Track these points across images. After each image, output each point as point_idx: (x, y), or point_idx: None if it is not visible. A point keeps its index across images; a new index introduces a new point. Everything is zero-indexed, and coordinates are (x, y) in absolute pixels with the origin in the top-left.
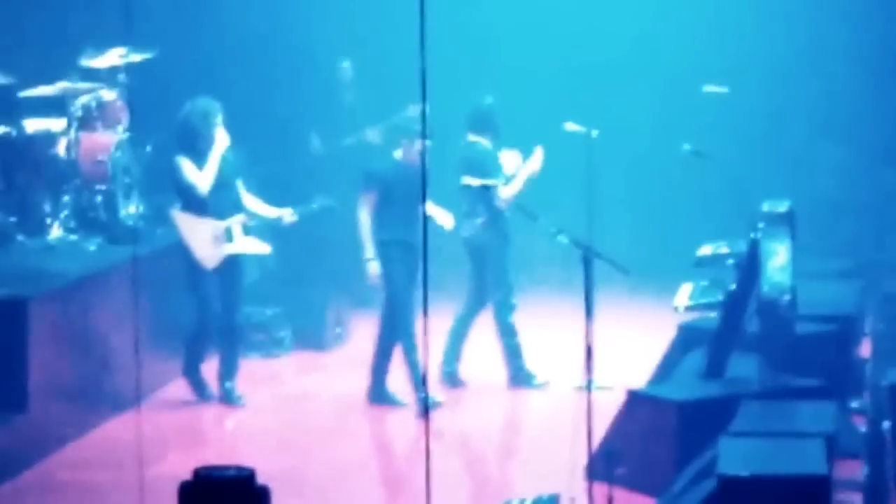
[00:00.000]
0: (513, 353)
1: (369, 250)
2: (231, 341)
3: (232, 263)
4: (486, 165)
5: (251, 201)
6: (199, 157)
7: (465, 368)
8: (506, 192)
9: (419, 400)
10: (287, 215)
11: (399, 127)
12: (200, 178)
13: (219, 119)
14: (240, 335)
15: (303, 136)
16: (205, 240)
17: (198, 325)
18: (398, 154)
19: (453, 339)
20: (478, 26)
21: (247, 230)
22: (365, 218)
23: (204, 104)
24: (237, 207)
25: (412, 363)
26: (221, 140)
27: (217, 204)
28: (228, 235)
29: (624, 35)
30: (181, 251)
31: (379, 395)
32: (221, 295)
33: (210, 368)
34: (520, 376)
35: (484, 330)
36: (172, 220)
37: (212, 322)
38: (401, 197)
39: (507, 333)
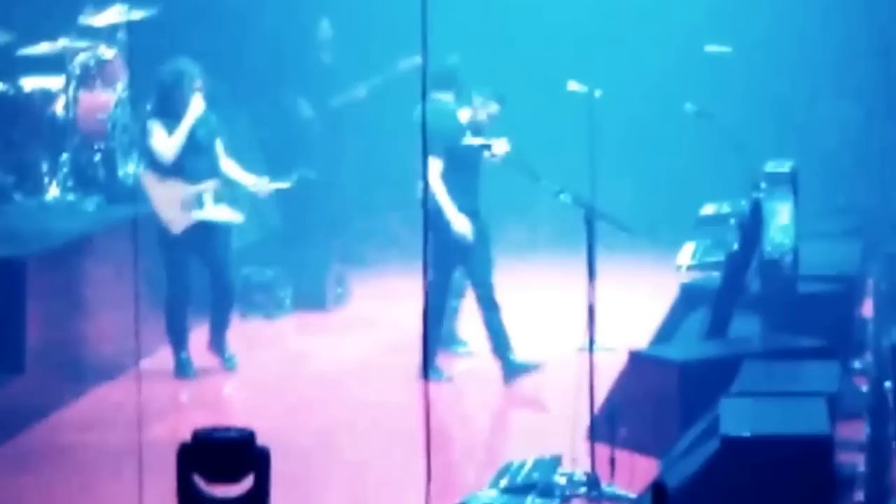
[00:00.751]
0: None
1: (451, 213)
2: (220, 308)
3: (207, 230)
4: (445, 123)
5: (230, 166)
6: (174, 121)
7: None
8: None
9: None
10: (262, 185)
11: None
12: (167, 144)
13: (197, 83)
14: (229, 302)
15: (289, 99)
16: (171, 203)
17: (169, 293)
18: (464, 115)
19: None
20: None
21: (219, 197)
22: (437, 183)
23: (179, 66)
24: (212, 173)
25: (494, 329)
26: (196, 105)
27: (190, 169)
28: (199, 201)
29: None
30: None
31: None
32: (205, 263)
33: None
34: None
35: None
36: (141, 182)
37: (183, 290)
38: (466, 162)
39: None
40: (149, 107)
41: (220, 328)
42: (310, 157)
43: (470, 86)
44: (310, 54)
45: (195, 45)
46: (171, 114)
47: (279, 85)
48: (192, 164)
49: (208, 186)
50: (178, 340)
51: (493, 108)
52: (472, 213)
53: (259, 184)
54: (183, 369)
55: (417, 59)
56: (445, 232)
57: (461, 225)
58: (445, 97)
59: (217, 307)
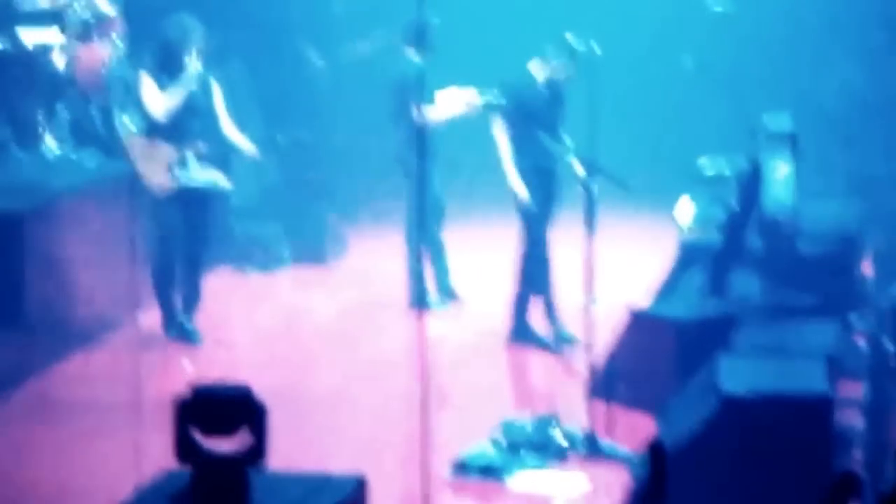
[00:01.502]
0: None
1: (511, 175)
2: (190, 276)
3: (192, 194)
4: (417, 83)
5: (230, 129)
6: (170, 78)
7: (462, 288)
8: (438, 111)
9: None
10: (251, 151)
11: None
12: (158, 102)
13: (197, 42)
14: (199, 271)
15: (296, 49)
16: (155, 166)
17: (156, 255)
18: (539, 72)
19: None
20: None
21: (208, 160)
22: (503, 140)
23: (180, 23)
24: (205, 136)
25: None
26: (193, 66)
27: (181, 131)
28: (183, 163)
29: None
30: None
31: (522, 333)
32: (185, 226)
33: None
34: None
35: (476, 249)
36: (125, 144)
37: (171, 252)
38: (540, 119)
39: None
40: (146, 62)
41: (190, 299)
42: (314, 111)
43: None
44: (320, 3)
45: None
46: (168, 70)
47: (283, 34)
48: (183, 126)
49: (193, 149)
50: (170, 307)
51: (570, 69)
52: (543, 170)
53: (249, 149)
54: (190, 336)
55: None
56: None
57: (520, 188)
58: (415, 54)
59: (186, 275)
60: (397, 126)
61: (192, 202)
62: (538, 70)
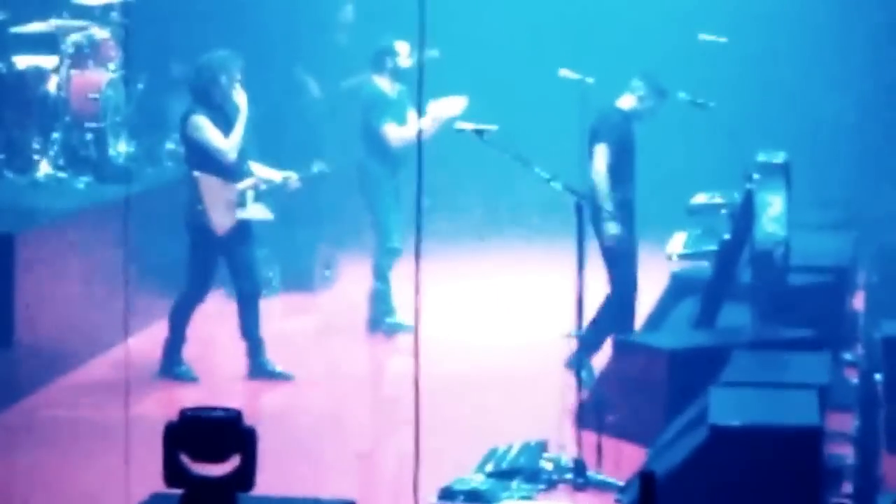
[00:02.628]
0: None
1: (607, 208)
2: (252, 309)
3: (241, 229)
4: (374, 106)
5: (255, 165)
6: (215, 114)
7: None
8: (394, 133)
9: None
10: (293, 180)
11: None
12: (228, 144)
13: (238, 75)
14: (257, 298)
15: (297, 78)
16: (222, 205)
17: (189, 292)
18: (627, 102)
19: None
20: None
21: (258, 195)
22: (603, 171)
23: (224, 57)
24: (249, 171)
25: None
26: (243, 101)
27: (236, 167)
28: (242, 200)
29: None
30: (189, 209)
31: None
32: (232, 262)
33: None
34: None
35: (459, 280)
36: (196, 184)
37: (205, 291)
38: (628, 151)
39: (379, 277)
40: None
41: (256, 334)
42: (313, 140)
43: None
44: (325, 35)
45: (186, 28)
46: (211, 106)
47: (284, 63)
48: (239, 162)
49: (251, 184)
50: (179, 340)
51: (655, 100)
52: (628, 202)
53: (290, 178)
54: (185, 375)
55: (433, 52)
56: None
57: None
58: (380, 80)
59: (248, 304)
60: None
61: (246, 238)
62: (626, 101)
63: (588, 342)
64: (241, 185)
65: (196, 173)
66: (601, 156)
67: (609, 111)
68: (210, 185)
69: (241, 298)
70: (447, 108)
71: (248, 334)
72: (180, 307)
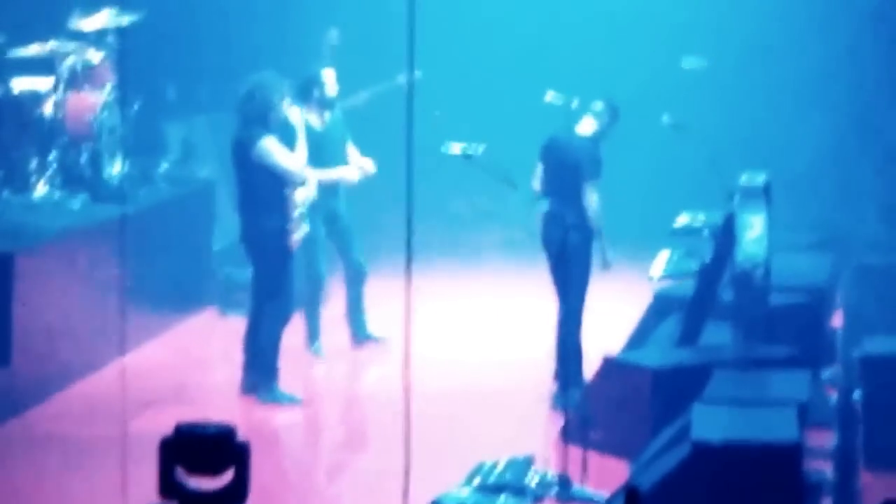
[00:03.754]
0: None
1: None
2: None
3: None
4: (285, 136)
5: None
6: (276, 135)
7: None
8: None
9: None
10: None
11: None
12: (297, 162)
13: (287, 95)
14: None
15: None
16: (297, 220)
17: (284, 315)
18: (589, 126)
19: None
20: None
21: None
22: (598, 209)
23: (274, 78)
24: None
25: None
26: (298, 118)
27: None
28: (304, 217)
29: (606, 8)
30: (269, 231)
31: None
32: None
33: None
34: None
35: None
36: (285, 204)
37: (293, 308)
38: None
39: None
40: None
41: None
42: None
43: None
44: (312, 60)
45: (180, 52)
46: (269, 129)
47: None
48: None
49: (309, 194)
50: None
51: (612, 123)
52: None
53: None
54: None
55: (416, 74)
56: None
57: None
58: (308, 113)
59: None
60: None
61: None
62: (588, 125)
63: (564, 377)
64: (301, 198)
65: (287, 192)
66: (594, 193)
67: (582, 142)
68: (294, 205)
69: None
70: (364, 165)
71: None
72: (280, 333)
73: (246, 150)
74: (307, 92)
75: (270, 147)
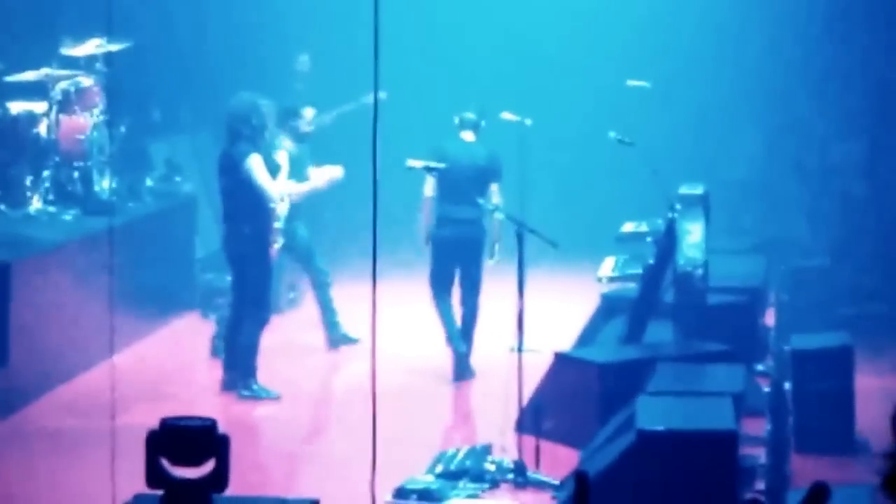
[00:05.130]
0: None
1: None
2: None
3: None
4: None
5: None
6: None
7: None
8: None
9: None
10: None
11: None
12: (276, 192)
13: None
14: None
15: None
16: (276, 233)
17: (263, 320)
18: (470, 138)
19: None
20: (426, 22)
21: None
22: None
23: (267, 104)
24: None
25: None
26: (284, 160)
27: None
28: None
29: (555, 32)
30: (256, 242)
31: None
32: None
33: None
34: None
35: (411, 302)
36: (261, 236)
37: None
38: None
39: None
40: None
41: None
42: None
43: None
44: (284, 83)
45: (164, 77)
46: (258, 148)
47: None
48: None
49: (286, 209)
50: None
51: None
52: None
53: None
54: (265, 393)
55: (381, 94)
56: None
57: None
58: (283, 137)
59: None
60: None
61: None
62: (473, 137)
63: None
64: (281, 212)
65: (270, 205)
66: (498, 191)
67: (491, 151)
68: (275, 217)
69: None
70: (330, 172)
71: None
72: (259, 337)
73: (235, 165)
74: (286, 120)
75: (256, 166)
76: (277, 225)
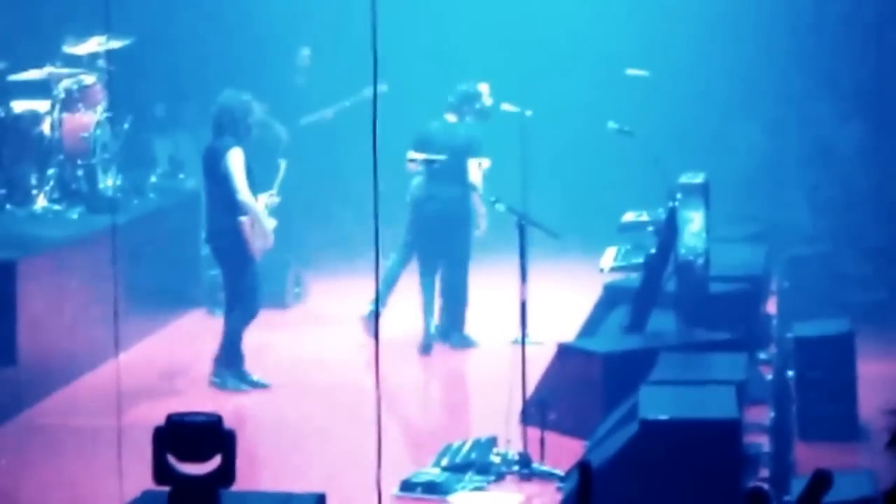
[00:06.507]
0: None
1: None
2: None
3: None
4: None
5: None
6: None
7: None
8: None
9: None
10: (273, 199)
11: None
12: (246, 191)
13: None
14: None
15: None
16: (261, 235)
17: (249, 313)
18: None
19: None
20: (426, 15)
21: (270, 211)
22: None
23: (245, 97)
24: (256, 197)
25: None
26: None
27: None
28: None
29: (554, 22)
30: (232, 242)
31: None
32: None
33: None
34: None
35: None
36: (240, 230)
37: (257, 309)
38: None
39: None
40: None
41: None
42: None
43: None
44: (285, 77)
45: (166, 73)
46: (242, 142)
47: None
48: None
49: (263, 201)
50: (241, 358)
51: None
52: None
53: (270, 201)
54: (252, 383)
55: (381, 87)
56: None
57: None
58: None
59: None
60: None
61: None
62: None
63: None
64: (260, 207)
65: (242, 219)
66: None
67: (468, 131)
68: (247, 223)
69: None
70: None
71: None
72: (240, 331)
73: (217, 159)
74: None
75: (235, 160)
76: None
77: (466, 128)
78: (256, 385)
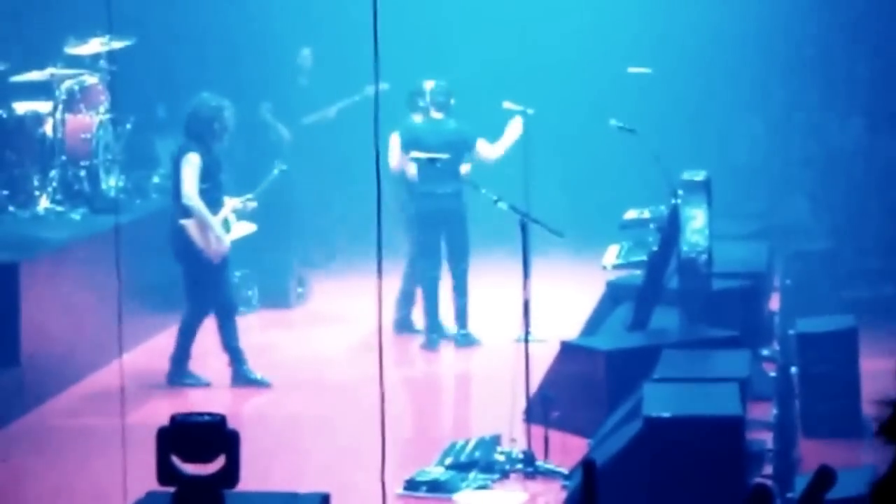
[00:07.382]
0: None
1: None
2: (230, 323)
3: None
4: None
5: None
6: (206, 155)
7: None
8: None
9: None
10: (248, 203)
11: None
12: (192, 192)
13: (229, 123)
14: (234, 316)
15: (263, 116)
16: (214, 238)
17: (195, 313)
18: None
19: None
20: (427, 13)
21: (239, 215)
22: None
23: (221, 106)
24: (221, 201)
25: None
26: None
27: (210, 200)
28: (227, 226)
29: (556, 20)
30: (184, 244)
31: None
32: (225, 281)
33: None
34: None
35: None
36: (184, 230)
37: (206, 311)
38: None
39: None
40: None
41: (232, 338)
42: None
43: None
44: (287, 78)
45: (168, 73)
46: (204, 147)
47: (254, 103)
48: (210, 196)
49: (230, 207)
50: (188, 355)
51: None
52: None
53: (246, 203)
54: (198, 381)
55: (383, 85)
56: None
57: None
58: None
59: (226, 318)
60: None
61: (225, 259)
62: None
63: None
64: (221, 215)
65: (183, 221)
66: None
67: (459, 125)
68: (188, 225)
69: (220, 313)
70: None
71: (229, 346)
72: (189, 327)
73: (176, 162)
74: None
75: (188, 163)
76: (223, 216)
77: (456, 123)
78: (259, 383)
